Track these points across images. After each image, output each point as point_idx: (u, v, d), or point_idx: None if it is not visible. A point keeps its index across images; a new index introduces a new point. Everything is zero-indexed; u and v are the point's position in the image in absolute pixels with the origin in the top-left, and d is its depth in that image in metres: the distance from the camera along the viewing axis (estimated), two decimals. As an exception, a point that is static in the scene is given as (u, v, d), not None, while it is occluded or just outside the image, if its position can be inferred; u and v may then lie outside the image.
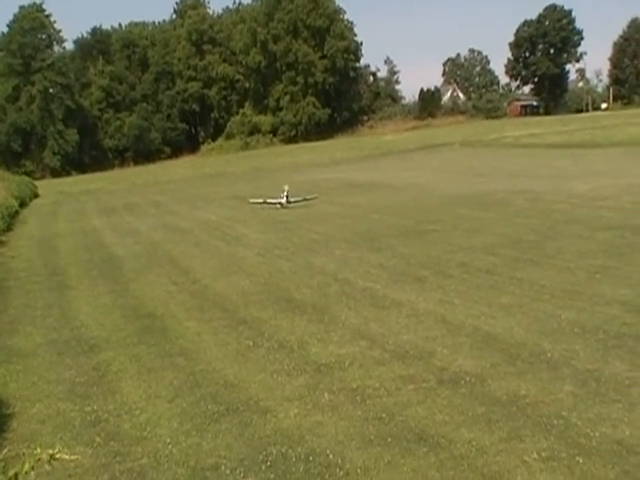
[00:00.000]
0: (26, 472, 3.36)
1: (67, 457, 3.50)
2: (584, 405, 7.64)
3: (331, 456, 7.04)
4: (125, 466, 7.28)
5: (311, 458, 7.05)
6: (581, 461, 6.51)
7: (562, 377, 8.44)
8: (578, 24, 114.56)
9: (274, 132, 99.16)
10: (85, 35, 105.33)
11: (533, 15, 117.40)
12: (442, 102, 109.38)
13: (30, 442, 7.76)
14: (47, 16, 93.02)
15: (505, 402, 7.90)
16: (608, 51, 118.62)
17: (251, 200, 29.37)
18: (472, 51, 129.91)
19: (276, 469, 6.92)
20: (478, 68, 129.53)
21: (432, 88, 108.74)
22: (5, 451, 7.66)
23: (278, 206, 27.86)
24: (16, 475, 3.35)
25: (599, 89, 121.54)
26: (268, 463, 7.04)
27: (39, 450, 3.41)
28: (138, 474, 7.11)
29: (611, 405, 7.59)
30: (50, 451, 3.42)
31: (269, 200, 28.33)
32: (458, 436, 7.21)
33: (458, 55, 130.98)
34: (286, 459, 7.09)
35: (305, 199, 28.40)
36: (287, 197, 27.96)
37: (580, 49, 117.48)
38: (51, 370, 10.58)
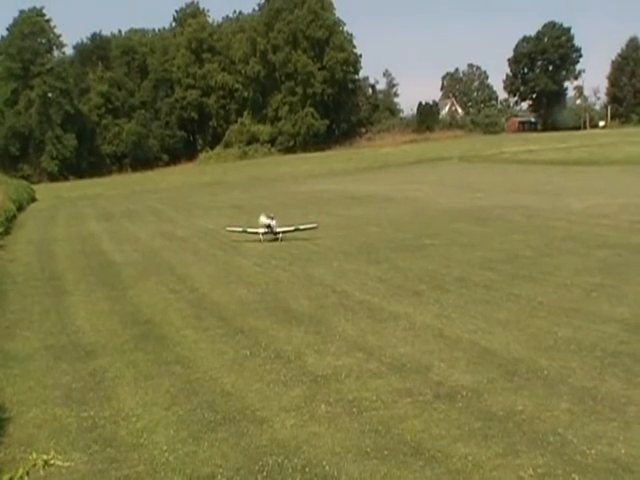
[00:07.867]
0: (20, 477, 3.37)
1: (61, 463, 3.51)
2: (580, 422, 7.67)
3: (327, 467, 7.06)
4: (121, 473, 7.29)
5: (307, 469, 7.06)
6: (577, 478, 6.54)
7: (559, 394, 8.47)
8: (577, 42, 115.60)
9: (272, 142, 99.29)
10: (85, 40, 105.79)
11: (532, 31, 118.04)
12: (440, 116, 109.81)
13: (26, 447, 7.77)
14: (47, 21, 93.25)
15: (501, 417, 7.93)
16: (606, 69, 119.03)
17: (228, 228, 24.31)
18: (471, 66, 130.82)
19: (272, 479, 6.93)
20: (477, 83, 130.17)
21: (430, 102, 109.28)
22: (0, 455, 7.68)
23: (261, 237, 22.76)
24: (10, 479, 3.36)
25: (597, 107, 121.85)
26: (264, 473, 7.05)
27: (34, 455, 3.42)
28: (134, 481, 7.11)
29: (607, 423, 7.62)
30: (45, 457, 3.43)
31: (249, 230, 23.26)
32: (454, 450, 7.23)
33: (457, 70, 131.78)
34: (282, 469, 7.10)
35: (298, 229, 23.02)
36: (271, 228, 22.68)
37: (578, 66, 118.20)
38: (48, 375, 10.58)
